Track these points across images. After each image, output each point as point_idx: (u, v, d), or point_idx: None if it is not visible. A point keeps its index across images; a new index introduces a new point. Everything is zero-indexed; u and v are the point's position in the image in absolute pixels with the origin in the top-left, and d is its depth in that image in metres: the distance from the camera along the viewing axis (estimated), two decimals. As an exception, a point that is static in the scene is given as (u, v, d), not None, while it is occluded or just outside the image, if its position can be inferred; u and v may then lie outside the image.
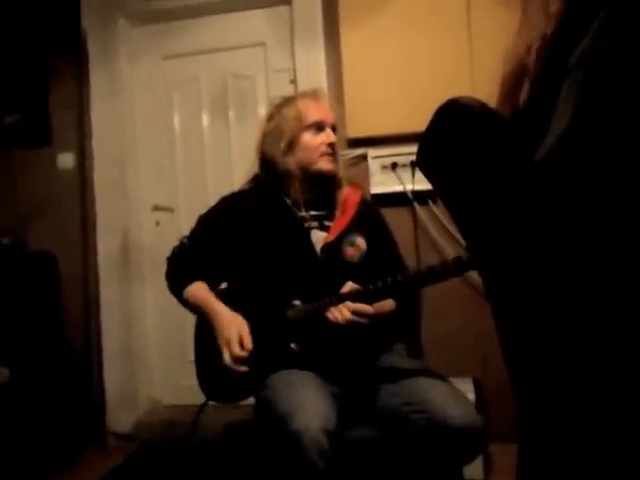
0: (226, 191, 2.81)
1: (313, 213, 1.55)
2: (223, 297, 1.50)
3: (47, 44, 2.75)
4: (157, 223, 2.84)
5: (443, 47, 2.34)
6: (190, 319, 2.78)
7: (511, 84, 0.87)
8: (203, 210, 2.76)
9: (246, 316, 1.43)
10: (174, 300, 2.77)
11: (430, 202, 2.36)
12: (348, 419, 1.29)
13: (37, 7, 2.73)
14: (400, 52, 2.38)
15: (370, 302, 1.31)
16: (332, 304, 1.32)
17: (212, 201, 2.78)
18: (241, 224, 1.53)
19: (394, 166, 2.34)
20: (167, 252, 2.89)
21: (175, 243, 2.85)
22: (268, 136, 1.60)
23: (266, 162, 1.59)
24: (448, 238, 2.34)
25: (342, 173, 1.60)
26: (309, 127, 1.54)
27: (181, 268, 1.58)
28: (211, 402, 1.58)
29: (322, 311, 1.33)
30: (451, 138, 0.87)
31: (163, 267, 2.79)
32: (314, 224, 1.54)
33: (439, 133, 0.91)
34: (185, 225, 2.84)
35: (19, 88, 2.78)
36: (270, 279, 1.45)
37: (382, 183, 2.33)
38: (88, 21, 2.73)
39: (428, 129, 0.94)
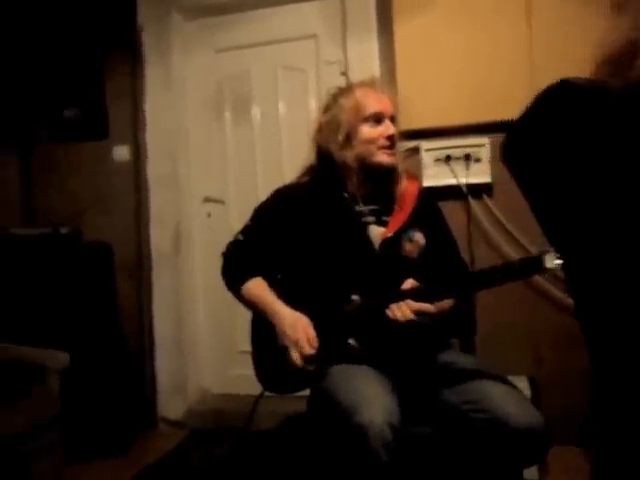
0: (276, 184, 2.82)
1: (371, 207, 1.52)
2: (280, 288, 1.49)
3: (103, 39, 2.82)
4: (208, 215, 2.88)
5: (501, 37, 2.28)
6: (241, 310, 2.82)
7: (619, 63, 0.82)
8: (253, 202, 2.79)
9: (303, 310, 1.43)
10: (224, 291, 2.82)
11: (485, 196, 2.31)
12: (406, 416, 1.27)
13: (93, 2, 2.80)
14: (456, 42, 2.32)
15: (431, 301, 1.29)
16: (392, 301, 1.31)
17: (262, 193, 2.79)
18: (297, 218, 1.51)
19: (448, 159, 2.30)
20: (218, 243, 2.92)
21: (226, 235, 2.88)
22: (324, 128, 1.57)
23: (322, 154, 1.56)
24: (503, 233, 2.28)
25: (401, 166, 1.56)
26: (367, 119, 1.49)
27: (237, 265, 1.57)
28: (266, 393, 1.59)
29: (382, 308, 1.32)
30: (566, 119, 0.82)
31: (214, 258, 2.85)
32: (371, 219, 1.51)
33: (549, 115, 0.85)
34: (235, 217, 2.89)
35: (77, 82, 2.86)
36: (327, 274, 1.44)
37: (435, 176, 2.30)
38: (143, 15, 2.78)
39: (530, 112, 0.88)
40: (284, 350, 1.40)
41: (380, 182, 1.53)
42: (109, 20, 2.79)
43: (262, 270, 1.54)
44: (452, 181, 2.28)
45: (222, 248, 2.88)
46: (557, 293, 2.24)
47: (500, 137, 2.28)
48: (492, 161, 2.28)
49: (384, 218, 1.50)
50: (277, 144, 2.80)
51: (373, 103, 1.51)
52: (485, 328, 2.01)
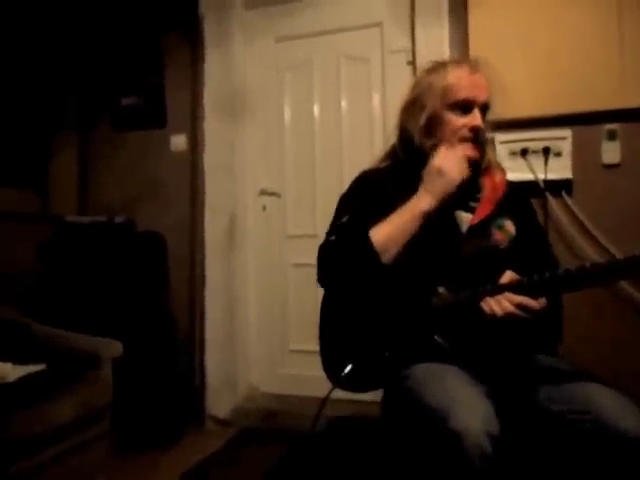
0: (335, 178, 2.74)
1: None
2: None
3: (164, 26, 2.78)
4: (264, 207, 2.79)
5: (588, 23, 2.10)
6: (293, 308, 2.76)
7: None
8: (310, 196, 2.73)
9: (388, 302, 1.30)
10: (277, 287, 2.75)
11: (564, 193, 2.13)
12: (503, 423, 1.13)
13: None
14: (536, 28, 2.16)
15: (534, 296, 1.14)
16: (488, 294, 1.17)
17: (320, 187, 2.74)
18: (380, 204, 1.36)
19: (524, 152, 2.14)
20: (272, 237, 2.86)
21: (281, 229, 2.80)
22: (409, 107, 1.43)
23: (404, 136, 1.43)
24: (583, 233, 2.10)
25: (488, 158, 1.41)
26: (454, 105, 1.34)
27: (346, 239, 1.31)
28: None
29: (475, 301, 1.18)
30: None
31: (268, 252, 2.79)
32: (457, 205, 1.36)
33: None
34: (291, 211, 2.80)
35: (136, 70, 2.83)
36: (411, 263, 1.30)
37: (510, 170, 2.09)
38: (204, 3, 2.72)
39: None
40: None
41: None
42: (170, 8, 2.75)
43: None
44: (529, 176, 2.11)
45: (276, 242, 2.80)
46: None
47: (584, 129, 2.15)
48: (574, 156, 2.11)
49: (471, 204, 1.37)
50: (337, 136, 2.69)
51: (465, 88, 1.33)
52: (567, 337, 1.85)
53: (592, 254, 2.08)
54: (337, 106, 2.70)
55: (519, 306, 1.12)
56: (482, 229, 1.32)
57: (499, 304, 1.13)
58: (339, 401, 2.51)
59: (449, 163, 1.30)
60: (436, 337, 1.24)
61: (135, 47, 2.82)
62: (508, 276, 1.18)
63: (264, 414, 2.64)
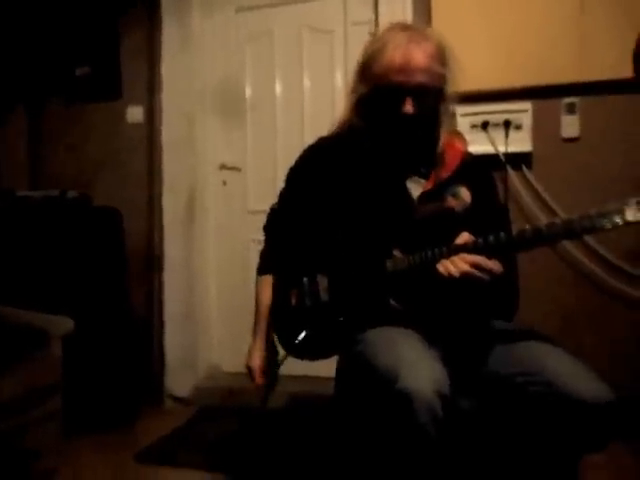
0: (297, 153, 2.69)
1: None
2: (317, 247, 1.35)
3: (119, -6, 2.67)
4: (224, 182, 2.73)
5: (547, -4, 2.10)
6: (254, 283, 2.70)
7: None
8: (272, 171, 2.67)
9: (341, 266, 1.28)
10: (238, 264, 2.70)
11: (524, 167, 2.13)
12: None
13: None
14: (496, 4, 2.15)
15: (490, 257, 1.11)
16: (442, 255, 1.14)
17: (281, 162, 2.68)
18: (329, 172, 1.36)
19: (485, 125, 2.13)
20: (233, 213, 2.80)
21: (241, 205, 2.75)
22: (351, 81, 1.38)
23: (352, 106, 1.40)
24: (541, 206, 2.11)
25: (443, 130, 1.33)
26: (385, 88, 1.24)
27: (274, 240, 1.49)
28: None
29: (430, 263, 1.15)
30: None
31: (228, 228, 2.73)
32: (409, 171, 1.33)
33: None
34: (252, 186, 2.74)
35: (89, 40, 2.71)
36: (364, 228, 1.28)
37: (471, 143, 2.07)
38: (161, -30, 2.62)
39: None
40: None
41: None
42: (125, -26, 2.64)
43: (300, 238, 1.39)
44: (489, 149, 2.11)
45: (237, 218, 2.75)
46: (599, 273, 2.07)
47: (544, 103, 2.15)
48: (534, 129, 2.11)
49: (424, 170, 1.34)
50: (299, 109, 2.64)
51: (397, 71, 1.22)
52: (522, 310, 1.85)
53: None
54: (299, 79, 2.64)
55: (474, 265, 1.09)
56: (435, 196, 1.30)
57: (454, 264, 1.11)
58: (299, 378, 2.51)
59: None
60: (391, 301, 1.22)
61: (89, 15, 2.69)
62: (463, 237, 1.15)
63: (226, 392, 2.60)
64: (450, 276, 1.10)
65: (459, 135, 1.49)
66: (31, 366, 1.82)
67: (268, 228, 1.51)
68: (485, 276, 1.09)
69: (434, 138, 1.32)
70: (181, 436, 2.25)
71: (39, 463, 1.79)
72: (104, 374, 2.32)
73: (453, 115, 2.13)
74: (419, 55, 1.23)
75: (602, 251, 2.06)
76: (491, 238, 1.10)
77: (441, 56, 1.27)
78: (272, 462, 1.96)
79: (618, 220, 0.99)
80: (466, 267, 1.09)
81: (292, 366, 2.52)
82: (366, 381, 1.13)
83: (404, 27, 1.32)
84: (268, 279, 1.44)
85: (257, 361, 1.45)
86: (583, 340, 2.05)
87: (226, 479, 1.89)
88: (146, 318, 2.62)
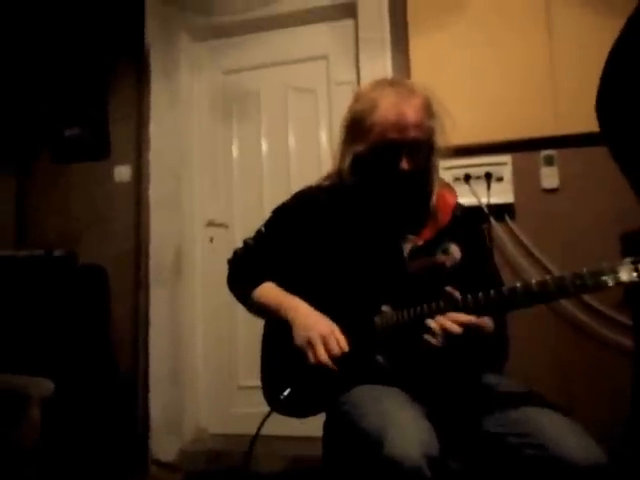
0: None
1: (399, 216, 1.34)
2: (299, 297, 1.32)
3: (109, 56, 2.75)
4: (211, 239, 2.73)
5: (520, 53, 2.20)
6: (242, 342, 2.66)
7: None
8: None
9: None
10: (226, 321, 2.66)
11: (507, 217, 2.16)
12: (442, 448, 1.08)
13: (100, 19, 2.75)
14: (474, 59, 2.24)
15: (478, 314, 1.10)
16: (432, 314, 1.13)
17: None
18: (318, 221, 1.35)
19: (467, 178, 2.17)
20: (220, 270, 2.78)
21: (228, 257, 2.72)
22: (340, 140, 1.35)
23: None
24: (526, 256, 2.13)
25: (434, 184, 1.34)
26: (380, 146, 1.24)
27: (246, 270, 1.41)
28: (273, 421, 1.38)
29: (419, 320, 1.14)
30: None
31: (215, 286, 2.70)
32: (401, 227, 1.32)
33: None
34: (239, 242, 2.72)
35: (79, 101, 2.77)
36: (353, 281, 1.27)
37: None
38: (150, 35, 2.71)
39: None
40: (303, 348, 1.20)
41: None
42: (115, 37, 2.73)
43: (274, 278, 1.36)
44: (472, 201, 2.14)
45: (224, 275, 2.73)
46: (591, 324, 2.07)
47: (523, 155, 2.21)
48: (515, 180, 2.15)
49: (417, 228, 1.33)
50: (285, 167, 2.68)
51: (391, 129, 1.23)
52: (513, 360, 1.83)
53: (536, 275, 2.10)
54: (284, 138, 2.70)
55: (464, 325, 1.08)
56: (425, 252, 1.29)
57: (442, 325, 1.09)
58: (290, 438, 2.43)
59: (317, 325, 1.23)
60: (378, 357, 1.19)
61: (79, 76, 2.77)
62: (450, 291, 1.14)
63: (212, 456, 2.50)
64: (439, 339, 1.08)
65: (449, 187, 1.49)
66: (10, 430, 1.75)
67: (239, 262, 1.44)
68: (474, 336, 1.08)
69: (428, 192, 1.33)
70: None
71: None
72: (87, 439, 2.23)
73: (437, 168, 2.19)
74: (410, 111, 1.24)
75: (594, 302, 2.06)
76: (480, 296, 1.10)
77: (429, 109, 1.28)
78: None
79: (611, 280, 0.99)
80: (456, 328, 1.08)
81: (284, 427, 2.46)
82: (352, 443, 1.09)
83: (391, 83, 1.33)
84: (264, 286, 1.36)
85: (335, 327, 1.22)
86: (575, 390, 2.02)
87: None
88: (131, 378, 2.54)
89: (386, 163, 1.25)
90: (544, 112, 2.14)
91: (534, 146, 2.16)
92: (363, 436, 1.03)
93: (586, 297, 2.07)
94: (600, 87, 1.02)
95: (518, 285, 1.08)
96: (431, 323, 1.10)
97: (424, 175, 1.29)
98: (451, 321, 1.09)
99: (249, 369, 2.61)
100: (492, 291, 1.09)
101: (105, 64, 2.74)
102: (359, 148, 1.28)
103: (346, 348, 1.17)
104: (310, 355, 1.17)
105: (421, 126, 1.25)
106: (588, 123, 2.07)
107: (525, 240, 2.13)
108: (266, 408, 1.33)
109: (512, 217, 2.17)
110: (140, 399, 2.54)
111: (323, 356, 1.15)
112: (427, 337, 1.11)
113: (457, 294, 1.13)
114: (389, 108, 1.24)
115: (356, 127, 1.29)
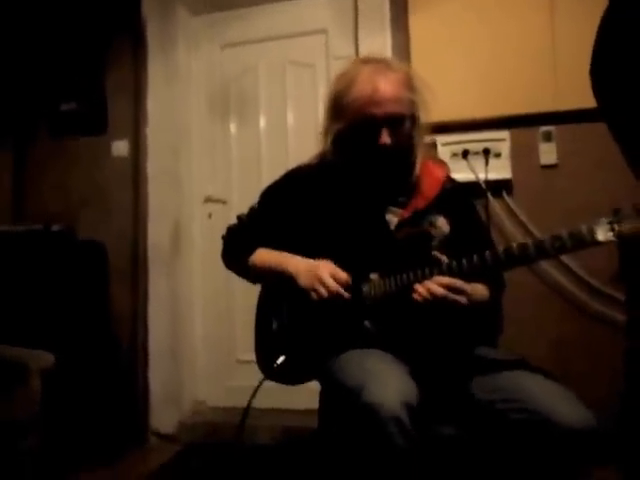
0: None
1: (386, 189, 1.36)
2: None
3: (105, 30, 2.71)
4: (209, 215, 2.73)
5: (522, 28, 2.17)
6: (240, 317, 2.68)
7: None
8: (257, 203, 2.67)
9: None
10: (224, 297, 2.68)
11: (504, 193, 2.16)
12: (429, 414, 1.10)
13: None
14: (474, 33, 2.22)
15: (464, 279, 1.12)
16: (418, 279, 1.15)
17: (266, 194, 2.70)
18: (308, 198, 1.38)
19: (465, 154, 2.17)
20: (218, 246, 2.81)
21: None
22: (324, 119, 1.41)
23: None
24: (523, 232, 2.13)
25: (420, 159, 1.36)
26: (359, 123, 1.26)
27: (241, 241, 1.43)
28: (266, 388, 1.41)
29: (406, 287, 1.16)
30: None
31: (214, 262, 2.70)
32: (387, 200, 1.34)
33: None
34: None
35: (76, 75, 2.74)
36: (341, 253, 1.28)
37: (452, 171, 2.13)
38: (148, 8, 2.67)
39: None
40: (312, 285, 1.22)
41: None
42: (112, 11, 2.69)
43: (268, 247, 1.38)
44: (470, 177, 2.14)
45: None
46: (585, 299, 2.08)
47: (521, 131, 2.20)
48: (513, 157, 2.15)
49: (401, 199, 1.34)
50: (284, 142, 2.67)
51: (368, 104, 1.25)
52: (509, 336, 1.85)
53: (533, 253, 2.11)
54: (283, 113, 2.69)
55: (449, 288, 1.10)
56: (412, 224, 1.30)
57: (427, 289, 1.11)
58: (285, 411, 2.47)
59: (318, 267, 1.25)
60: (365, 323, 1.21)
61: (75, 50, 2.73)
62: (438, 256, 1.16)
63: (211, 428, 2.54)
64: (425, 301, 1.10)
65: (440, 162, 1.50)
66: (8, 401, 1.77)
67: (232, 237, 1.47)
68: (461, 298, 1.10)
69: (410, 165, 1.34)
70: (166, 474, 2.18)
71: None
72: (88, 411, 2.26)
73: (434, 145, 2.19)
74: (386, 85, 1.26)
75: (587, 277, 2.08)
76: (464, 261, 1.11)
77: (408, 83, 1.30)
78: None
79: (589, 240, 1.02)
80: (440, 291, 1.09)
81: (278, 399, 2.49)
82: (337, 400, 1.12)
83: (367, 60, 1.36)
84: (259, 252, 1.38)
85: (333, 266, 1.24)
86: (571, 366, 2.05)
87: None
88: (130, 352, 2.57)
89: (366, 138, 1.27)
90: (544, 88, 2.12)
91: (533, 122, 2.15)
92: (345, 389, 1.06)
93: (582, 273, 2.08)
94: (594, 53, 1.02)
95: (500, 249, 1.10)
96: (418, 287, 1.13)
97: (406, 149, 1.31)
98: (436, 284, 1.11)
99: (247, 343, 2.59)
100: (475, 256, 1.12)
101: (102, 38, 2.70)
102: (339, 126, 1.31)
103: (349, 279, 1.20)
104: (320, 289, 1.20)
105: (399, 100, 1.26)
106: (588, 99, 2.06)
107: (522, 216, 2.14)
108: (265, 381, 1.35)
109: (510, 193, 2.17)
110: (139, 373, 2.56)
111: (333, 284, 1.19)
112: (415, 296, 1.13)
113: (444, 258, 1.15)
114: (365, 84, 1.27)
115: (335, 106, 1.33)
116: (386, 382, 1.00)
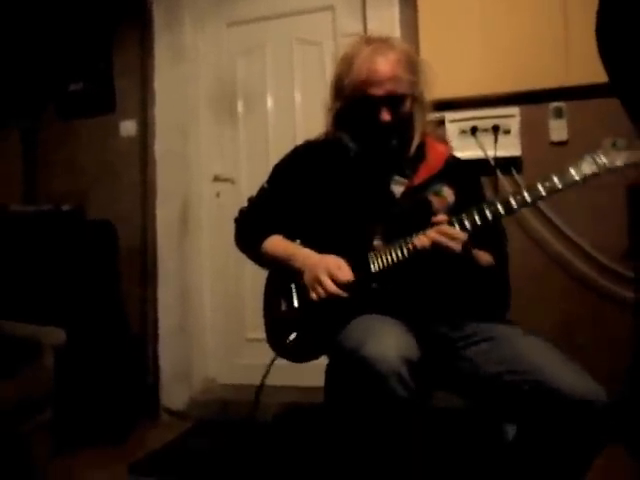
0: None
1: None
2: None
3: (112, 10, 2.71)
4: (217, 194, 2.74)
5: (532, 1, 2.13)
6: (250, 295, 2.70)
7: None
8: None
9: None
10: (233, 275, 2.69)
11: (514, 171, 2.15)
12: (433, 383, 1.11)
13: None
14: (484, 8, 2.18)
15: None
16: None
17: (274, 173, 2.69)
18: (316, 172, 1.39)
19: (474, 130, 2.15)
20: (227, 225, 2.81)
21: (234, 215, 2.75)
22: (329, 97, 1.41)
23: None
24: (532, 209, 2.12)
25: (423, 135, 1.38)
26: (359, 101, 1.28)
27: (253, 226, 1.45)
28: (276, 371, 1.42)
29: (407, 246, 1.18)
30: None
31: (222, 240, 2.72)
32: (393, 172, 1.36)
33: None
34: (246, 197, 2.70)
35: (83, 55, 2.75)
36: (347, 222, 1.30)
37: (460, 149, 2.10)
38: (153, -13, 2.66)
39: None
40: (311, 284, 1.24)
41: None
42: (118, -10, 2.68)
43: (279, 231, 1.41)
44: (479, 154, 2.12)
45: (231, 229, 2.76)
46: (592, 276, 2.07)
47: (531, 108, 2.18)
48: (523, 133, 2.13)
49: (408, 172, 1.36)
50: (291, 120, 2.66)
51: (368, 84, 1.26)
52: (515, 312, 1.85)
53: (543, 231, 2.11)
54: (290, 91, 2.67)
55: (446, 235, 1.12)
56: (418, 194, 1.32)
57: (426, 236, 1.14)
58: (294, 388, 2.49)
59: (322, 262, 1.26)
60: (373, 285, 1.23)
61: (82, 31, 2.74)
62: (439, 218, 1.17)
63: (221, 405, 2.57)
64: (423, 247, 1.13)
65: (443, 140, 1.53)
66: (23, 377, 1.80)
67: (245, 220, 1.49)
68: (455, 245, 1.10)
69: (411, 139, 1.36)
70: (176, 449, 2.22)
71: (31, 475, 1.77)
72: (99, 388, 2.30)
73: (442, 122, 2.17)
74: (385, 65, 1.28)
75: (594, 253, 2.07)
76: (463, 215, 1.14)
77: (408, 63, 1.31)
78: (266, 473, 1.94)
79: (577, 176, 1.10)
80: (434, 235, 1.12)
81: (286, 376, 2.51)
82: (339, 362, 1.13)
83: (368, 40, 1.36)
84: (272, 239, 1.39)
85: (340, 260, 1.25)
86: (577, 342, 2.05)
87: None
88: (140, 331, 2.61)
89: (366, 117, 1.29)
90: (555, 62, 2.09)
91: (543, 98, 2.12)
92: (346, 351, 1.07)
93: (590, 250, 2.07)
94: (598, 12, 1.12)
95: (498, 202, 1.15)
96: (417, 239, 1.16)
97: (407, 127, 1.34)
98: (436, 232, 1.14)
99: (256, 321, 2.60)
100: (474, 211, 1.15)
101: (108, 18, 2.70)
102: (339, 104, 1.34)
103: (351, 277, 1.22)
104: (318, 288, 1.21)
105: (398, 80, 1.28)
106: (599, 73, 2.05)
107: (531, 194, 2.12)
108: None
109: (519, 171, 2.15)
110: (150, 351, 2.60)
111: (330, 286, 1.20)
112: (415, 242, 1.16)
113: (444, 218, 1.17)
114: (363, 64, 1.29)
115: (337, 86, 1.35)
116: (385, 338, 1.02)
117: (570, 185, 1.11)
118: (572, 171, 1.10)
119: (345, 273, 1.22)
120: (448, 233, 1.13)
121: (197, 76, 2.76)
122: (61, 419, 1.99)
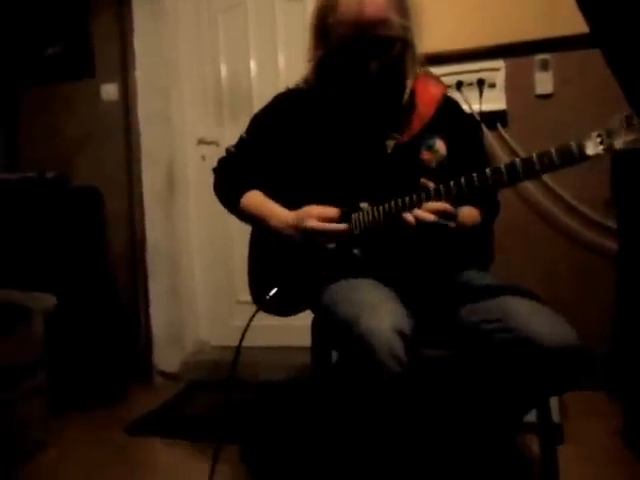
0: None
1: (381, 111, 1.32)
2: (281, 199, 1.34)
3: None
4: (203, 158, 2.71)
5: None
6: (240, 257, 2.70)
7: None
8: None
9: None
10: (221, 238, 2.69)
11: (499, 124, 2.13)
12: (419, 337, 1.12)
13: None
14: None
15: (451, 204, 1.11)
16: (406, 207, 1.14)
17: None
18: (298, 122, 1.34)
19: (459, 85, 2.12)
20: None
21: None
22: (310, 38, 1.32)
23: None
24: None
25: (414, 70, 1.30)
26: (342, 38, 1.19)
27: (231, 180, 1.41)
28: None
29: (394, 215, 1.16)
30: None
31: (209, 203, 2.68)
32: (384, 122, 1.31)
33: None
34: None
35: (60, 18, 2.67)
36: (332, 180, 1.28)
37: None
38: (130, -57, 2.57)
39: None
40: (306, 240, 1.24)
41: None
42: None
43: (258, 184, 1.37)
44: (464, 108, 2.09)
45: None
46: (578, 228, 2.09)
47: (516, 60, 2.15)
48: (508, 87, 2.10)
49: (399, 125, 1.31)
50: (274, 82, 2.61)
51: (351, 28, 1.18)
52: (499, 266, 1.87)
53: (529, 185, 2.11)
54: (274, 52, 2.62)
55: (435, 212, 1.10)
56: (409, 149, 1.29)
57: (416, 215, 1.11)
58: (285, 349, 2.52)
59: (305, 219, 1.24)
60: (355, 251, 1.22)
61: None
62: (426, 185, 1.15)
63: (214, 366, 2.60)
64: (414, 227, 1.10)
65: (436, 79, 1.43)
66: (12, 342, 1.82)
67: (223, 170, 1.45)
68: (450, 223, 1.09)
69: (403, 88, 1.30)
70: (170, 409, 2.26)
71: (28, 436, 1.80)
72: (92, 352, 2.32)
73: (425, 63, 2.13)
74: (372, 7, 1.17)
75: (579, 205, 2.08)
76: (452, 184, 1.10)
77: (399, 5, 1.21)
78: (259, 433, 1.97)
79: (577, 154, 1.00)
80: (430, 216, 1.09)
81: (277, 337, 2.54)
82: (332, 333, 1.14)
83: None
84: (250, 195, 1.37)
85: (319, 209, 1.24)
86: (561, 293, 2.08)
87: (215, 449, 1.90)
88: (131, 296, 2.62)
89: (352, 64, 1.21)
90: (540, 13, 2.05)
91: (528, 50, 2.09)
92: (339, 320, 1.07)
93: (572, 201, 2.08)
94: None
95: (487, 170, 1.08)
96: (407, 216, 1.12)
97: (398, 74, 1.26)
98: (424, 210, 1.10)
99: (246, 284, 2.66)
100: (463, 178, 1.10)
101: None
102: (323, 50, 1.25)
103: (336, 212, 1.22)
104: (320, 238, 1.21)
105: (388, 22, 1.18)
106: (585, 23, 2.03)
107: (517, 148, 2.11)
108: (266, 321, 1.37)
109: (504, 124, 2.14)
110: (142, 315, 2.62)
111: (327, 226, 1.21)
112: (407, 222, 1.13)
113: (431, 184, 1.14)
114: (350, 6, 1.18)
115: (319, 28, 1.25)
116: (379, 312, 1.01)
117: (569, 164, 1.02)
118: (574, 149, 1.01)
119: (327, 211, 1.21)
120: (444, 211, 1.10)
121: (178, 37, 2.70)
122: (56, 383, 2.02)
